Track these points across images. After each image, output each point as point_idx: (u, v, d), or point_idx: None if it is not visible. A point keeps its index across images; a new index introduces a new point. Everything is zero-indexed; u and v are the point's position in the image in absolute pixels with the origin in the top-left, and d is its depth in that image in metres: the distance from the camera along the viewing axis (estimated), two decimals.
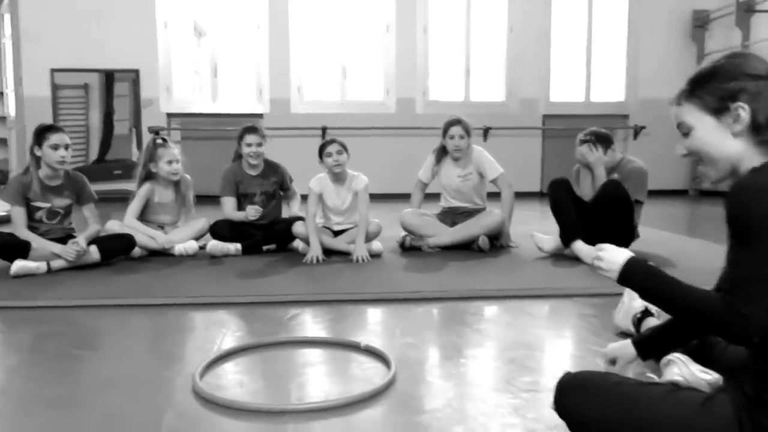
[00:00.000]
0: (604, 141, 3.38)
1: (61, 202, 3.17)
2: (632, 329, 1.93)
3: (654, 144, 7.23)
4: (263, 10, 6.91)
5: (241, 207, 3.61)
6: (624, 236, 3.41)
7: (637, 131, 7.33)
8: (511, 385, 1.65)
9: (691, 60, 7.42)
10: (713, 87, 1.17)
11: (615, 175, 3.35)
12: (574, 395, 1.24)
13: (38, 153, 3.06)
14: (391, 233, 3.72)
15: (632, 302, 1.98)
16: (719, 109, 1.16)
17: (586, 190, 3.42)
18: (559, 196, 3.34)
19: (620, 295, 2.16)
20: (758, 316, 1.05)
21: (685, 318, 1.24)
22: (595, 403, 1.20)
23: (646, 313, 1.91)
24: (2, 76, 8.05)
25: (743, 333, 1.07)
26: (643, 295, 1.25)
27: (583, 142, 3.40)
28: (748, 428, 1.08)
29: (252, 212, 3.46)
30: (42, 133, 3.07)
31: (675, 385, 1.26)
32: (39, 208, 3.11)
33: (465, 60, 7.29)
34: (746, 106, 1.13)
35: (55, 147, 3.04)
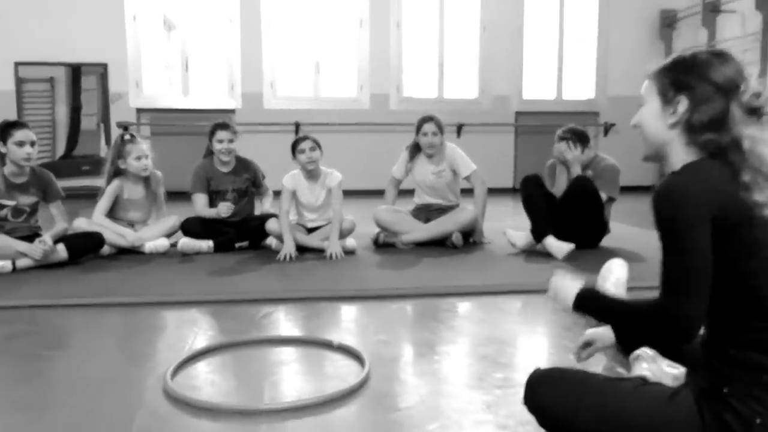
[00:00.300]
0: (582, 139, 3.43)
1: (27, 199, 3.09)
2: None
3: (623, 141, 7.33)
4: (235, 4, 6.82)
5: (212, 204, 3.57)
6: (595, 232, 3.47)
7: (607, 128, 7.45)
8: (483, 381, 1.67)
9: (659, 58, 7.55)
10: (672, 74, 1.20)
11: (589, 172, 3.40)
12: (544, 391, 1.26)
13: (2, 150, 2.98)
14: (364, 230, 3.72)
15: None
16: (666, 97, 1.19)
17: (561, 186, 3.46)
18: (530, 192, 3.39)
19: None
20: (696, 313, 1.09)
21: (637, 332, 1.29)
22: (564, 399, 1.22)
23: None
24: None
25: (686, 332, 1.10)
26: (597, 319, 1.34)
27: (562, 139, 3.44)
28: (710, 421, 1.11)
29: (224, 209, 3.42)
30: (6, 129, 2.99)
31: (643, 380, 1.29)
32: (3, 206, 3.03)
33: (438, 57, 7.30)
34: (687, 104, 1.16)
35: (21, 144, 2.97)
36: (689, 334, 1.10)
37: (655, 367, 1.55)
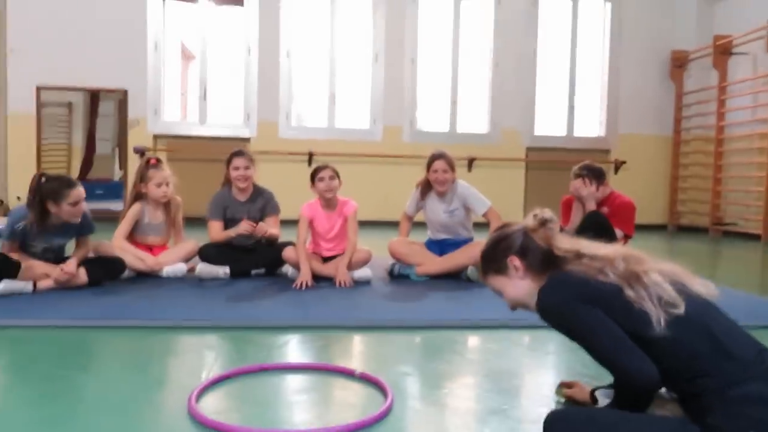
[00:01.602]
0: (597, 176, 3.46)
1: (61, 240, 3.13)
2: None
3: (634, 179, 7.40)
4: (254, 34, 6.99)
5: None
6: None
7: (618, 166, 7.50)
8: (506, 415, 1.67)
9: (670, 98, 7.65)
10: (492, 256, 1.60)
11: (604, 209, 3.43)
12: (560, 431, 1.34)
13: (53, 210, 2.94)
14: (378, 261, 3.74)
15: None
16: (503, 268, 1.58)
17: (576, 222, 3.48)
18: None
19: None
20: (639, 363, 1.31)
21: (633, 407, 1.41)
22: None
23: None
24: None
25: (646, 382, 1.32)
26: None
27: (578, 176, 3.47)
28: None
29: (245, 226, 3.42)
30: (59, 191, 2.92)
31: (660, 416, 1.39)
32: (35, 245, 3.07)
33: (451, 91, 7.42)
34: (515, 257, 1.55)
35: (75, 204, 2.94)
36: (650, 381, 1.31)
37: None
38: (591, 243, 1.54)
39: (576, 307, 1.40)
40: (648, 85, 7.63)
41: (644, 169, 7.61)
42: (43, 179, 2.96)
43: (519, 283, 1.58)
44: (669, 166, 7.75)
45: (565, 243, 1.54)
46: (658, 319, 1.31)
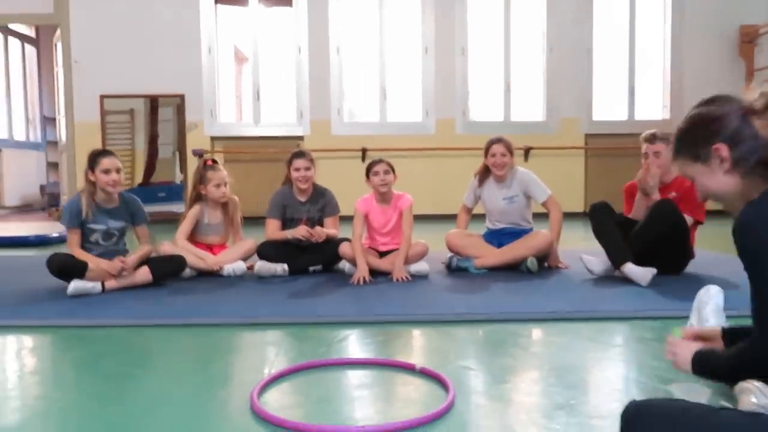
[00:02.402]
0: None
1: (116, 224, 3.23)
2: None
3: None
4: (303, 33, 7.04)
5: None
6: (679, 258, 3.31)
7: None
8: (574, 410, 1.60)
9: (740, 76, 7.23)
10: (691, 138, 1.31)
11: (672, 194, 3.26)
12: (640, 426, 1.20)
13: (92, 178, 3.15)
14: (435, 255, 3.69)
15: (704, 324, 1.89)
16: (703, 156, 1.29)
17: (639, 212, 3.33)
18: (600, 221, 3.28)
19: (678, 318, 2.09)
20: None
21: (753, 374, 1.31)
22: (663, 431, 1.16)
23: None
24: (56, 102, 8.36)
25: None
26: (714, 380, 1.45)
27: (652, 139, 3.31)
28: None
29: (302, 232, 3.46)
30: (94, 158, 3.16)
31: (751, 413, 1.21)
32: (94, 230, 3.18)
33: (504, 79, 7.27)
34: (723, 146, 1.25)
35: (107, 171, 3.12)
36: None
37: (765, 400, 1.44)
38: None
39: None
40: (714, 63, 7.24)
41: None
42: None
43: (721, 179, 1.27)
44: None
45: None
46: None
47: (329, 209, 3.69)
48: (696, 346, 1.41)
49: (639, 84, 7.39)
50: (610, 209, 3.32)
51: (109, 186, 3.14)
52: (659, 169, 3.28)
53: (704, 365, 1.37)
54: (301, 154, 3.65)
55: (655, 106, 7.50)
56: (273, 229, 3.63)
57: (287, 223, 3.65)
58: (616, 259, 3.17)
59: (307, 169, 3.61)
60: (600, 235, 3.27)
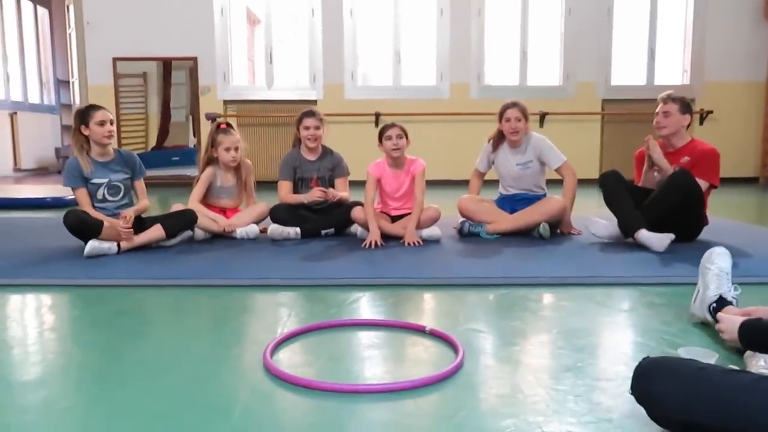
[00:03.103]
0: (687, 107, 3.29)
1: (117, 176, 3.26)
2: (709, 318, 1.86)
3: (721, 129, 6.93)
4: None
5: (296, 192, 3.66)
6: (693, 226, 3.28)
7: (704, 116, 7.03)
8: (581, 372, 1.62)
9: (764, 39, 7.04)
10: None
11: (685, 159, 3.22)
12: (656, 380, 1.20)
13: (86, 132, 3.17)
14: (447, 220, 3.69)
15: (706, 291, 1.90)
16: None
17: (649, 181, 3.30)
18: (611, 190, 3.25)
19: (690, 284, 2.08)
20: None
21: None
22: (678, 389, 1.16)
23: (721, 301, 1.84)
24: (69, 65, 8.36)
25: None
26: (763, 351, 1.50)
27: (668, 100, 3.29)
28: None
29: (317, 193, 3.49)
30: (86, 112, 3.18)
31: (763, 376, 1.21)
32: (99, 185, 3.21)
33: (521, 43, 7.13)
34: None
35: (102, 123, 3.14)
36: None
37: None
38: None
39: None
40: (739, 27, 7.04)
41: (733, 118, 7.10)
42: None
43: None
44: (761, 116, 7.17)
45: None
46: None
47: (338, 170, 3.72)
48: (741, 320, 1.51)
49: (659, 48, 7.22)
50: (621, 177, 3.29)
51: (105, 138, 3.16)
52: (658, 143, 3.26)
53: (752, 333, 1.48)
54: (310, 114, 3.67)
55: (675, 70, 7.34)
56: (286, 191, 3.65)
57: (299, 184, 3.68)
58: (630, 226, 3.15)
59: (317, 128, 3.63)
60: (611, 203, 3.25)
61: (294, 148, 3.76)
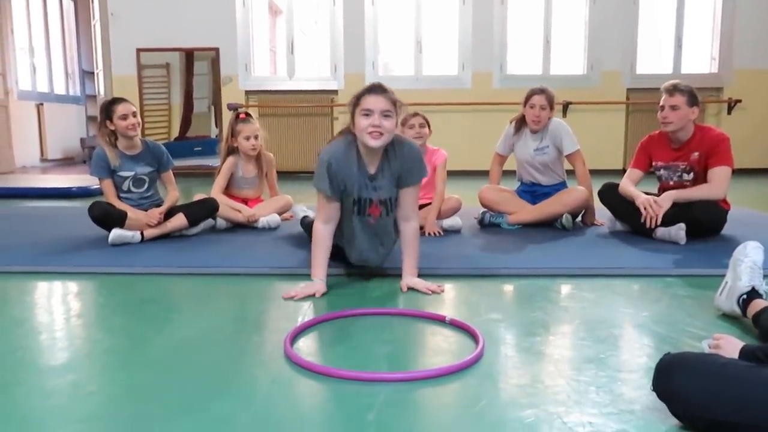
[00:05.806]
0: (695, 98, 3.09)
1: (143, 169, 3.29)
2: (737, 310, 1.83)
3: (750, 119, 6.77)
4: None
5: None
6: (716, 219, 3.16)
7: (732, 105, 6.88)
8: (603, 363, 1.60)
9: None
10: None
11: (695, 156, 3.09)
12: (678, 376, 1.19)
13: (111, 127, 3.19)
14: (468, 211, 3.67)
15: (736, 282, 1.87)
16: None
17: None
18: (613, 204, 3.30)
19: (717, 276, 2.05)
20: None
21: None
22: (700, 385, 1.15)
23: (752, 293, 1.80)
24: (94, 56, 8.46)
25: None
26: None
27: (673, 91, 3.04)
28: None
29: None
30: (109, 107, 3.19)
31: None
32: (125, 178, 3.25)
33: (544, 31, 7.04)
34: None
35: (124, 117, 3.16)
36: None
37: None
38: None
39: None
40: None
41: (763, 107, 6.92)
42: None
43: None
44: None
45: None
46: None
47: (411, 179, 2.39)
48: (741, 344, 1.42)
49: (687, 35, 7.07)
50: (616, 190, 3.28)
51: (129, 130, 3.18)
52: (661, 207, 2.98)
53: (752, 360, 1.34)
54: (382, 89, 2.20)
55: (703, 58, 7.18)
56: (326, 220, 2.33)
57: (352, 207, 2.34)
58: (645, 233, 3.09)
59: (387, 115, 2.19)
60: (619, 216, 3.29)
61: (339, 139, 2.36)
